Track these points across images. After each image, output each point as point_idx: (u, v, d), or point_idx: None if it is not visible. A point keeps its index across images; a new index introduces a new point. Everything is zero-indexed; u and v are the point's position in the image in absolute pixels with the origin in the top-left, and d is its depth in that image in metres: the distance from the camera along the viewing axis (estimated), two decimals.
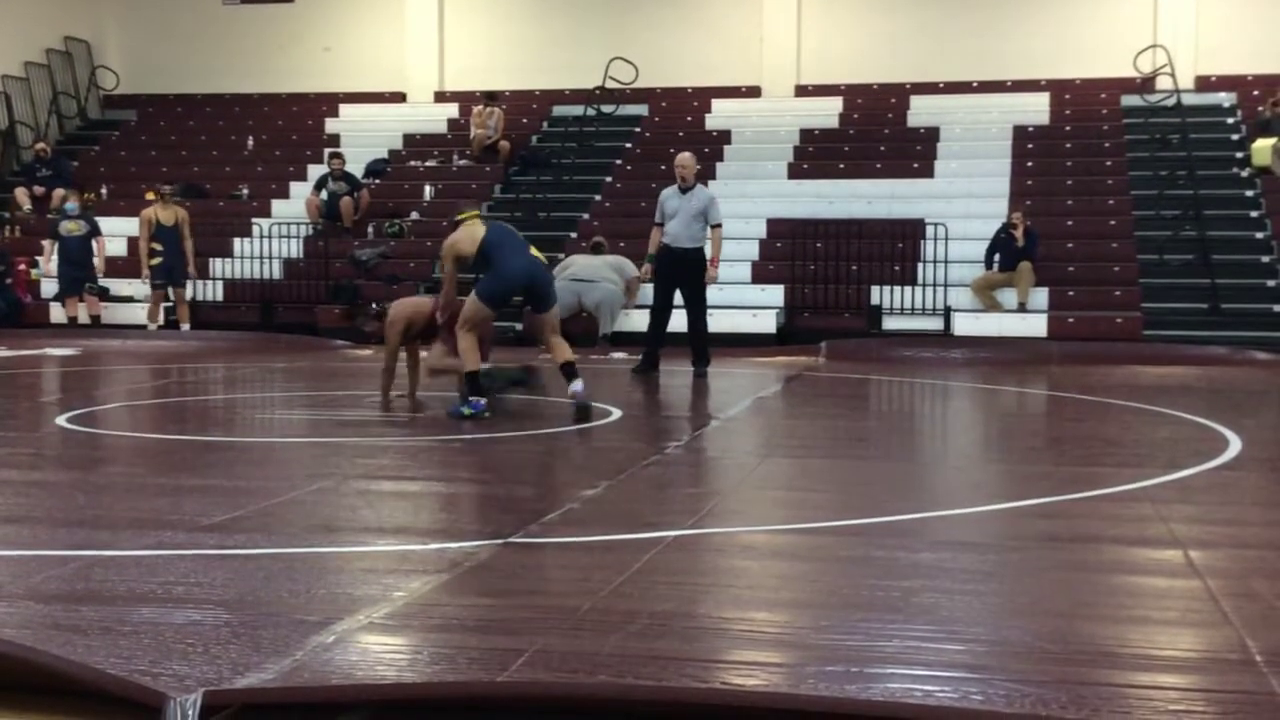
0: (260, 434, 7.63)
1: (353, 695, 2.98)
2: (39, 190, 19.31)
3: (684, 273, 11.68)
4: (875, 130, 19.02)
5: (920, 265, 15.78)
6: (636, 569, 4.15)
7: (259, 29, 21.89)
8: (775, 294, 15.87)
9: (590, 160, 18.89)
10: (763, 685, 3.13)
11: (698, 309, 11.80)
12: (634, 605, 3.71)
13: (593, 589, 3.89)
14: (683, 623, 3.58)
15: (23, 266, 17.50)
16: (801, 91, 20.34)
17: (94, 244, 16.69)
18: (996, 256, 15.49)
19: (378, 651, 3.37)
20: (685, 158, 12.07)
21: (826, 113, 19.55)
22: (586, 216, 17.75)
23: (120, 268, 17.03)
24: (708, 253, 11.68)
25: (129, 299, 16.78)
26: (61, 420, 8.06)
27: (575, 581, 4.03)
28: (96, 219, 17.13)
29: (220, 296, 16.88)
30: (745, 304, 15.73)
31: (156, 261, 16.02)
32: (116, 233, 17.37)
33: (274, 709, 2.90)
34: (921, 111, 19.19)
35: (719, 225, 11.74)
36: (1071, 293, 15.37)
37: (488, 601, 3.81)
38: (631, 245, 16.36)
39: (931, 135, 18.56)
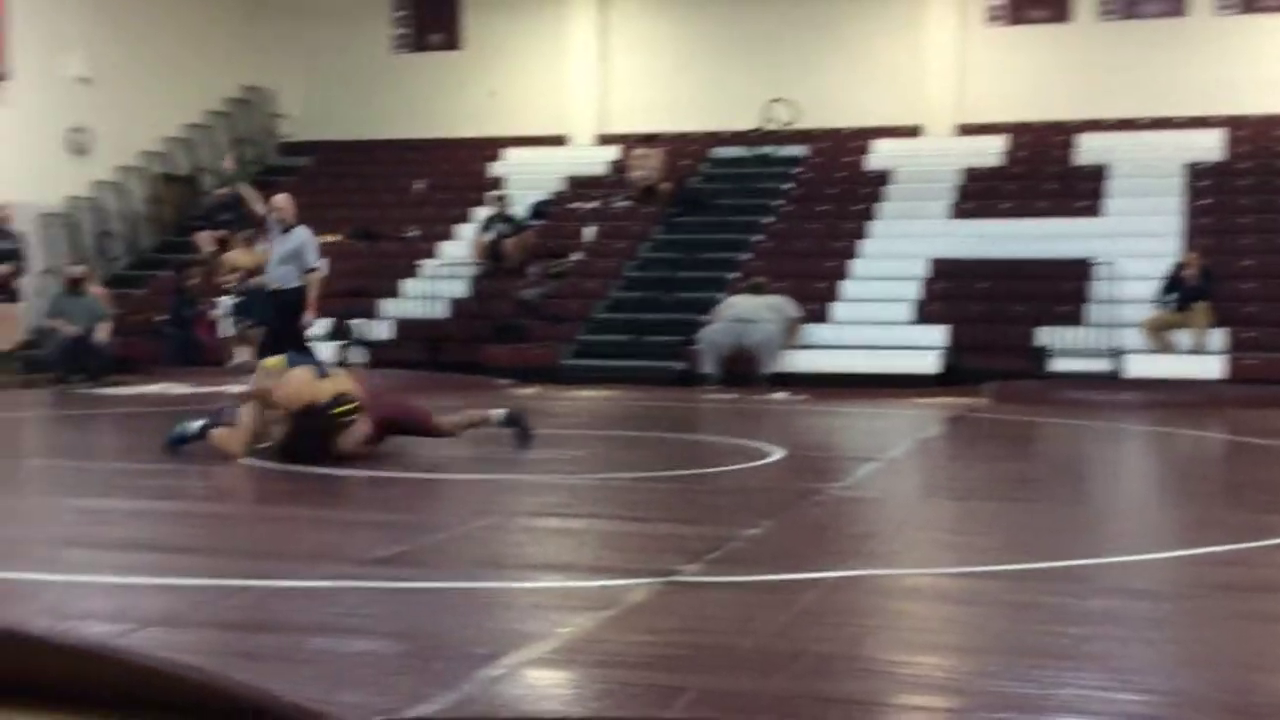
0: (429, 470, 7.79)
1: None
2: (221, 234, 20.04)
3: (270, 311, 11.89)
4: (1041, 168, 18.71)
5: (1088, 305, 15.45)
6: (799, 609, 4.14)
7: (427, 76, 22.47)
8: (937, 334, 15.68)
9: (750, 201, 18.94)
10: None
11: (274, 350, 11.74)
12: (797, 646, 3.70)
13: (756, 628, 3.89)
14: (847, 664, 3.55)
15: (204, 308, 18.17)
16: (964, 130, 20.12)
17: None
18: (1170, 297, 15.09)
19: (544, 686, 3.42)
20: (279, 199, 12.30)
21: (990, 151, 19.31)
22: (747, 257, 17.78)
23: None
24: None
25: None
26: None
27: (738, 620, 4.03)
28: None
29: (390, 335, 17.33)
30: (905, 344, 15.57)
31: None
32: None
33: None
34: (1088, 149, 18.83)
35: (312, 270, 11.80)
36: (1253, 333, 14.87)
37: (651, 639, 3.83)
38: (793, 285, 16.35)
39: (1099, 173, 18.18)
